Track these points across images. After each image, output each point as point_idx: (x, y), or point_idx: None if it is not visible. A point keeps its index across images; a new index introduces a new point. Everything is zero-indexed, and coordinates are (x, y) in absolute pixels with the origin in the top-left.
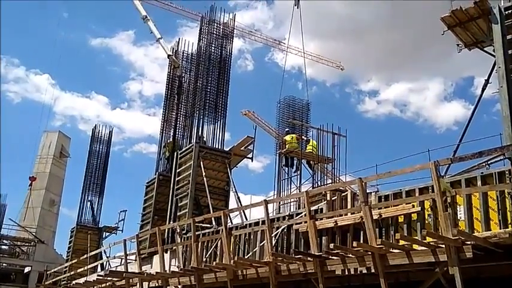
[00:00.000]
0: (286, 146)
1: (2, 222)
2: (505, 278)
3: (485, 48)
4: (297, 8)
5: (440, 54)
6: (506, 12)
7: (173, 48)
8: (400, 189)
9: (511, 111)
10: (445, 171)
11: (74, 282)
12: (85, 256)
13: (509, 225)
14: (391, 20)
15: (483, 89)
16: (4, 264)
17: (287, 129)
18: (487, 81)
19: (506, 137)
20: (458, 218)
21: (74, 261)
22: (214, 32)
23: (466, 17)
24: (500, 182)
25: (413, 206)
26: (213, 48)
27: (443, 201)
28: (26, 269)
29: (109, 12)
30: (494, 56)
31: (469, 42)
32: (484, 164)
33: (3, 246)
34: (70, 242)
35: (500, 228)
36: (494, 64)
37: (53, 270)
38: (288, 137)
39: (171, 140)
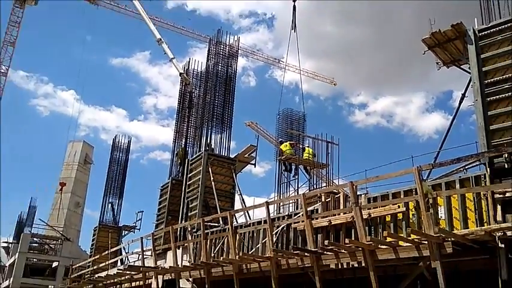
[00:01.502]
0: (284, 154)
1: (33, 222)
2: (481, 271)
3: (461, 66)
4: (294, 31)
5: (422, 72)
6: (480, 34)
7: (184, 67)
8: (387, 192)
9: (485, 122)
10: (427, 176)
11: (96, 275)
12: (106, 252)
13: (485, 224)
14: (377, 41)
15: (460, 102)
16: (34, 260)
17: (280, 140)
18: (463, 95)
19: (481, 145)
20: (439, 217)
21: (96, 257)
22: (221, 53)
23: (444, 38)
24: (477, 185)
25: (399, 207)
26: (219, 66)
27: (426, 202)
28: (54, 264)
29: (127, 35)
30: (469, 73)
31: (447, 61)
32: (461, 169)
33: (34, 244)
34: (93, 240)
35: (477, 226)
36: (470, 80)
37: (77, 265)
38: (282, 146)
39: (182, 148)
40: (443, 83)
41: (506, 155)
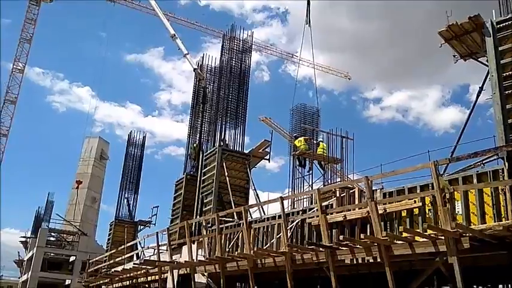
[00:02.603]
0: (298, 149)
1: (50, 217)
2: (499, 267)
3: (479, 59)
4: (308, 25)
5: (438, 65)
6: (498, 26)
7: (198, 63)
8: (403, 187)
9: (504, 116)
10: (443, 170)
11: (113, 269)
12: (122, 247)
13: (503, 219)
14: (393, 34)
15: (478, 96)
16: (52, 254)
17: (295, 135)
18: (481, 88)
19: (500, 139)
20: (456, 212)
21: (113, 252)
22: (235, 48)
23: (462, 30)
24: (495, 180)
25: (415, 202)
26: (233, 62)
27: (443, 197)
28: (71, 258)
29: (141, 31)
30: (487, 66)
31: (464, 54)
32: (479, 163)
33: (51, 238)
34: (109, 234)
35: (495, 222)
36: (488, 73)
37: (94, 259)
38: (296, 142)
39: (196, 145)
40: (459, 76)
41: None
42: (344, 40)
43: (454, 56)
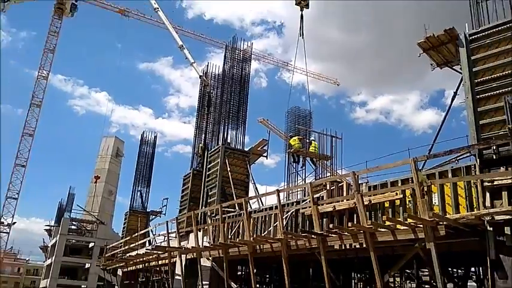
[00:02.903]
0: (293, 147)
1: (72, 208)
2: (471, 252)
3: (454, 67)
4: (302, 37)
5: (417, 72)
6: (471, 38)
7: (204, 70)
8: (386, 181)
9: (475, 117)
10: (422, 166)
11: (127, 254)
12: (136, 234)
13: (475, 209)
14: (377, 45)
15: (452, 100)
16: (73, 241)
17: (290, 134)
18: (455, 93)
19: (472, 138)
20: (433, 203)
21: (127, 238)
22: (236, 57)
23: (438, 42)
24: (467, 174)
25: (396, 194)
26: (235, 69)
27: (421, 190)
28: (90, 245)
29: (152, 43)
30: (461, 73)
31: (440, 62)
32: (454, 160)
33: (73, 226)
34: (124, 223)
35: (468, 212)
36: (461, 79)
37: (111, 246)
38: (291, 140)
39: (202, 146)
40: (436, 82)
41: (494, 147)
42: (334, 50)
43: (431, 64)
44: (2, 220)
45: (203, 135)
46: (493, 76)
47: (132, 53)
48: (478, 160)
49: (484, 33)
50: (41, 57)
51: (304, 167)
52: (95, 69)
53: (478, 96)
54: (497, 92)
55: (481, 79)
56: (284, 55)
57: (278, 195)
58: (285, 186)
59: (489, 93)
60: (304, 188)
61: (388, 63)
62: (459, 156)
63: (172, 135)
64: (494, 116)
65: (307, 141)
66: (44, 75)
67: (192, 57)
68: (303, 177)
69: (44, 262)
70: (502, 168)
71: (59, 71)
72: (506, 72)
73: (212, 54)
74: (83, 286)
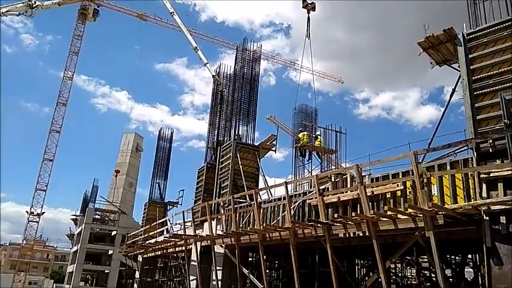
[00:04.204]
0: (300, 141)
1: (95, 199)
2: (468, 240)
3: (452, 65)
4: (308, 38)
5: (418, 70)
6: (468, 37)
7: (216, 70)
8: (388, 173)
9: (473, 113)
10: (422, 159)
11: (147, 242)
12: (155, 223)
13: (472, 199)
14: (380, 45)
15: (451, 96)
16: (97, 229)
17: (300, 129)
18: (454, 90)
19: (469, 133)
20: (433, 194)
21: (147, 227)
22: (246, 58)
23: (437, 41)
24: (465, 167)
25: (397, 185)
26: (245, 69)
27: (421, 181)
28: (113, 233)
29: (169, 45)
30: (459, 71)
31: (439, 61)
32: (452, 153)
33: (96, 216)
34: (144, 213)
35: (465, 202)
36: (460, 77)
37: (132, 234)
38: (300, 135)
39: (215, 138)
40: (436, 80)
41: (490, 141)
42: (338, 49)
43: (431, 62)
44: (32, 210)
45: (216, 131)
46: (489, 73)
47: (149, 54)
48: (475, 153)
49: (481, 33)
50: (66, 59)
51: (310, 161)
52: (116, 70)
53: (475, 93)
54: (494, 88)
55: (478, 76)
56: (291, 55)
57: (286, 187)
58: (293, 179)
59: (486, 90)
60: (311, 180)
61: (390, 61)
62: (457, 150)
63: (188, 131)
64: (491, 111)
65: (313, 136)
66: (69, 76)
67: (205, 58)
68: (310, 170)
69: (70, 249)
70: (498, 160)
71: (83, 72)
72: (503, 69)
73: (224, 55)
74: (106, 271)
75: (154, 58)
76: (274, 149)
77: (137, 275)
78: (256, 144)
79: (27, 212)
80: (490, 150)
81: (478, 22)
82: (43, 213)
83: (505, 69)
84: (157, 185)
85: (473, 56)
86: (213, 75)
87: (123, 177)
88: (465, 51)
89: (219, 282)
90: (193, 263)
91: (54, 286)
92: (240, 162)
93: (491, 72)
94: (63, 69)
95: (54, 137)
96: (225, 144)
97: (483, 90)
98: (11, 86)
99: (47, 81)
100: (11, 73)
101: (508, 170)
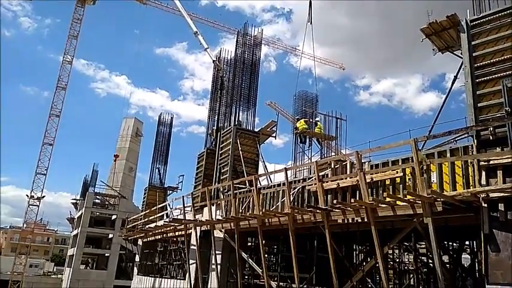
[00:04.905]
0: (299, 129)
1: (96, 183)
2: (466, 226)
3: (454, 52)
4: (310, 23)
5: (420, 57)
6: (472, 24)
7: (217, 55)
8: (387, 160)
9: (474, 100)
10: (422, 146)
11: (147, 226)
12: (155, 208)
13: (471, 187)
14: (382, 31)
15: (453, 83)
16: (97, 213)
17: (297, 117)
18: (455, 77)
19: (470, 120)
20: (432, 181)
21: (147, 212)
22: (247, 43)
23: (440, 27)
24: (465, 154)
25: (397, 172)
26: (246, 54)
27: (420, 168)
28: (113, 217)
29: (168, 29)
30: (461, 58)
31: (442, 47)
32: (452, 140)
33: (97, 200)
34: (144, 197)
35: (464, 189)
36: (462, 64)
37: (132, 218)
38: (298, 124)
39: (215, 124)
40: (437, 67)
41: (491, 129)
42: (341, 35)
43: (433, 49)
44: (32, 194)
45: (216, 117)
46: (492, 61)
47: (149, 38)
48: (475, 141)
49: (484, 19)
50: (66, 43)
51: (310, 147)
52: (115, 54)
53: (477, 80)
54: (496, 76)
55: (481, 63)
56: (292, 40)
57: (286, 173)
58: (292, 165)
59: (488, 77)
60: (310, 166)
61: (392, 48)
62: (458, 137)
63: (187, 117)
64: (492, 99)
65: (312, 121)
66: (68, 60)
67: (205, 43)
68: (309, 157)
69: (71, 232)
70: (498, 148)
71: (82, 56)
72: (505, 57)
73: (224, 40)
74: (106, 254)
75: (154, 42)
76: (274, 135)
77: (137, 258)
78: (256, 130)
79: (27, 195)
80: (491, 138)
81: (482, 9)
82: (43, 197)
83: (508, 56)
84: (157, 170)
85: (476, 42)
86: (214, 60)
87: (123, 162)
88: (468, 38)
89: (219, 266)
90: (192, 247)
91: (54, 269)
92: (240, 148)
93: (494, 60)
94: (63, 53)
95: (53, 121)
96: (225, 130)
97: (485, 78)
98: (10, 70)
99: (46, 65)
100: (10, 56)
101: (507, 158)
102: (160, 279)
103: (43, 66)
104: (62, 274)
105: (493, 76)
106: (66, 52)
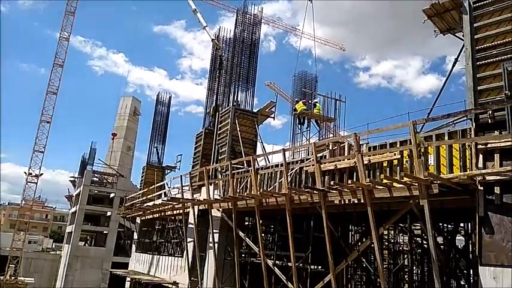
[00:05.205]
0: (298, 111)
1: (94, 161)
2: (462, 209)
3: (456, 34)
4: (310, 2)
5: (420, 39)
6: (474, 5)
7: (216, 34)
8: (385, 142)
9: (474, 83)
10: (420, 129)
11: (145, 204)
12: (153, 186)
13: (468, 170)
14: (384, 11)
15: (453, 66)
16: (95, 191)
17: (296, 99)
18: (456, 60)
19: (469, 103)
20: (429, 163)
21: (145, 190)
22: (247, 21)
23: (442, 9)
24: (463, 137)
25: (394, 154)
26: (245, 33)
27: (418, 151)
28: (111, 195)
29: (167, 6)
30: (463, 40)
31: (443, 29)
32: (451, 123)
33: (95, 178)
34: (142, 176)
35: (461, 172)
36: (463, 46)
37: (130, 196)
38: (297, 106)
39: (214, 106)
40: (438, 49)
41: (490, 112)
42: (342, 15)
43: (434, 31)
44: (30, 171)
45: (215, 97)
46: (493, 43)
47: (147, 16)
48: (473, 124)
49: (487, 1)
50: (62, 19)
51: (308, 128)
52: (112, 32)
53: (478, 63)
54: (497, 59)
55: (482, 46)
56: (292, 19)
57: (284, 154)
58: (291, 146)
59: (489, 60)
60: (308, 147)
61: (394, 29)
62: (456, 120)
63: (186, 97)
64: (493, 82)
65: (311, 102)
66: (65, 36)
67: (204, 21)
68: (307, 138)
69: (69, 210)
70: (496, 132)
71: (79, 33)
72: (507, 39)
73: (223, 18)
74: (105, 231)
75: (151, 20)
76: (272, 116)
77: (135, 236)
78: (255, 110)
79: (25, 173)
80: (489, 121)
81: None
82: (41, 174)
83: (510, 39)
84: (155, 149)
85: (478, 25)
86: (212, 39)
87: (121, 140)
88: (470, 20)
89: (216, 245)
90: (190, 225)
91: (53, 245)
92: (238, 129)
93: (496, 42)
94: (60, 30)
95: (51, 99)
96: (223, 110)
97: (486, 61)
98: (6, 46)
99: (43, 41)
100: (6, 32)
101: (505, 141)
102: (158, 256)
103: (39, 43)
104: (61, 250)
105: (494, 59)
106: (63, 29)
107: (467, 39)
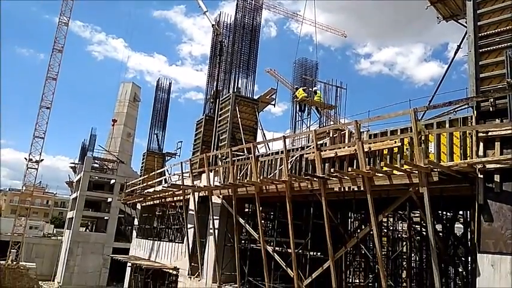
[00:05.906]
0: (298, 98)
1: (94, 147)
2: (462, 197)
3: (459, 20)
4: None
5: (422, 26)
6: None
7: (216, 19)
8: (386, 129)
9: (476, 71)
10: (421, 116)
11: (145, 191)
12: (153, 173)
13: (468, 158)
14: None
15: (455, 53)
16: (96, 177)
17: (296, 86)
18: (459, 47)
19: (471, 91)
20: (429, 151)
21: (145, 177)
22: (248, 7)
23: None
24: (464, 125)
25: (395, 142)
26: (246, 19)
27: (419, 138)
28: (112, 181)
29: None
30: (466, 27)
31: (446, 16)
32: (452, 111)
33: (95, 165)
34: (142, 163)
35: (461, 160)
36: (466, 33)
37: (130, 183)
38: (297, 93)
39: (214, 90)
40: (440, 36)
41: (491, 100)
42: (343, 1)
43: (437, 17)
44: (31, 157)
45: (215, 83)
46: (496, 30)
47: (146, 0)
48: (475, 112)
49: None
50: (62, 3)
51: (309, 116)
52: (112, 16)
53: (480, 50)
54: (500, 46)
55: (485, 33)
56: (294, 5)
57: (284, 141)
58: (291, 133)
59: (492, 47)
60: (309, 135)
61: (396, 15)
62: (457, 108)
63: (186, 83)
64: (495, 69)
65: (311, 90)
66: (64, 21)
67: (205, 6)
68: (308, 125)
69: (70, 196)
70: (497, 120)
71: (78, 18)
72: (510, 26)
73: (224, 3)
74: (105, 217)
75: (151, 5)
76: (273, 103)
77: (136, 222)
78: (255, 97)
79: (25, 158)
80: (491, 109)
81: None
82: (42, 160)
83: None
84: (155, 135)
85: (481, 11)
86: (213, 25)
87: (121, 127)
88: (474, 6)
89: (216, 231)
90: (191, 212)
91: (54, 231)
92: (238, 116)
93: (499, 29)
94: (59, 14)
95: (50, 84)
96: (224, 97)
97: (489, 48)
98: (4, 30)
99: (42, 26)
100: (4, 18)
101: (506, 130)
102: (158, 242)
103: (38, 28)
104: (62, 236)
105: (497, 46)
106: (62, 13)
107: (471, 25)
